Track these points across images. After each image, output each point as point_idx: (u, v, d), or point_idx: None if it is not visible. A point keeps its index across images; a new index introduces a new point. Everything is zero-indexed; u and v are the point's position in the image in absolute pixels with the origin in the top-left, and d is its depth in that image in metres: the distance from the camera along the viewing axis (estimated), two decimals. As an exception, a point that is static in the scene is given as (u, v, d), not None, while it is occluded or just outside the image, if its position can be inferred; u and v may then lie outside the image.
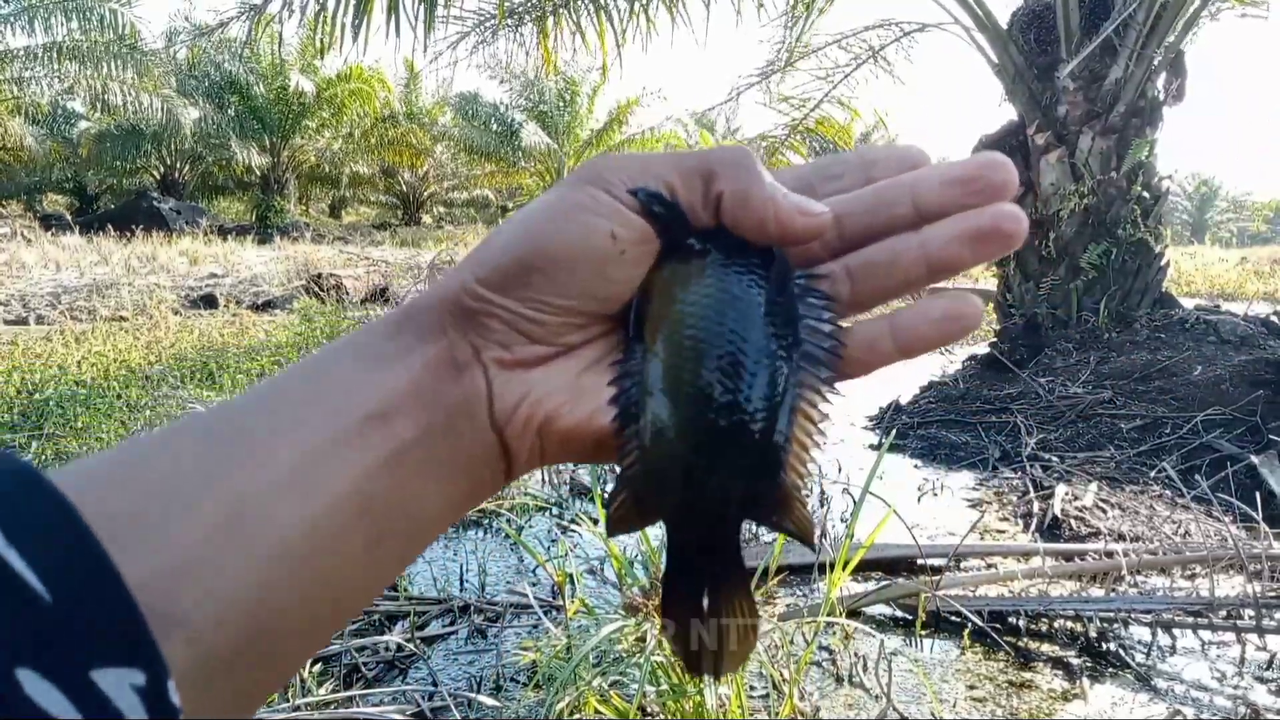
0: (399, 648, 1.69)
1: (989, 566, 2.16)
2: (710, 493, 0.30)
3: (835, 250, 0.33)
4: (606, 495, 0.32)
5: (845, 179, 0.34)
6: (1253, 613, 1.72)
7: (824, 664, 1.66)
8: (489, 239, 0.31)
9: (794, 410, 0.30)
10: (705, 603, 0.31)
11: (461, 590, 2.03)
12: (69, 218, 17.99)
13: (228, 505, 0.25)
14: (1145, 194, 4.57)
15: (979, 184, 0.31)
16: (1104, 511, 2.48)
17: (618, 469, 0.31)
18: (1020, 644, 1.74)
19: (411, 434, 0.29)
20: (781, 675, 1.49)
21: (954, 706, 1.53)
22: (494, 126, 20.11)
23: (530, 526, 2.51)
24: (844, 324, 0.32)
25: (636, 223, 0.31)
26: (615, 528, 0.31)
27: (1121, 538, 2.27)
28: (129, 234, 14.00)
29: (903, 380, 4.46)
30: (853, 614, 1.80)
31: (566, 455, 0.32)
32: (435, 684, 1.59)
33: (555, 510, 2.67)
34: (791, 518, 0.30)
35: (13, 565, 0.20)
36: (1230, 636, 1.73)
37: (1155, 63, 4.52)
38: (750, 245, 0.32)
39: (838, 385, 0.31)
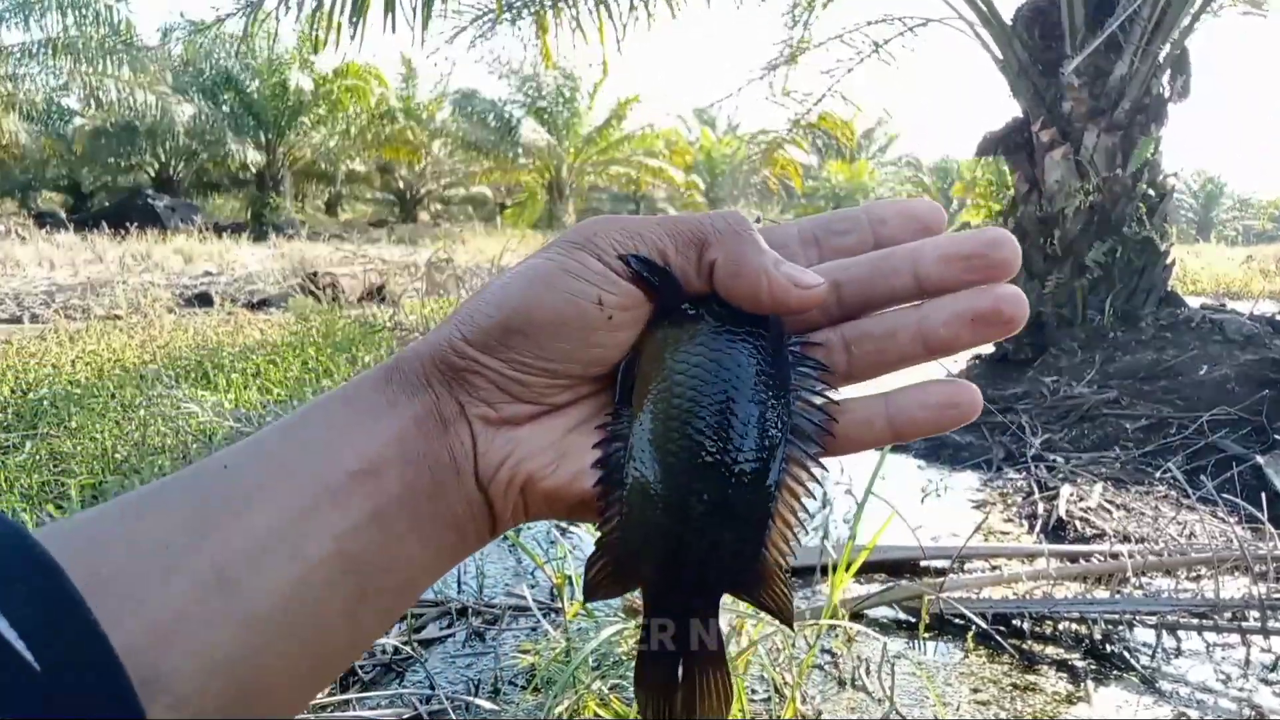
0: (395, 650, 1.67)
1: (993, 568, 2.14)
2: (691, 565, 0.29)
3: (834, 317, 0.32)
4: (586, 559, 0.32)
5: (853, 236, 0.34)
6: (1258, 614, 1.71)
7: (826, 667, 1.65)
8: (477, 296, 0.31)
9: (780, 485, 0.29)
10: (680, 673, 0.30)
11: (459, 592, 2.01)
12: (64, 215, 17.94)
13: (211, 568, 0.25)
14: (1150, 191, 4.54)
15: (980, 262, 0.30)
16: (1109, 512, 2.47)
17: (598, 532, 0.30)
18: (1024, 646, 1.73)
19: (397, 490, 0.29)
20: (783, 678, 1.48)
21: (958, 710, 1.51)
22: (492, 122, 20.04)
23: (529, 528, 2.49)
24: (839, 396, 0.31)
25: (625, 289, 0.30)
26: (593, 593, 0.31)
27: (1126, 539, 2.26)
28: (124, 232, 13.96)
29: (906, 380, 4.44)
30: (855, 616, 1.79)
31: (550, 514, 0.32)
32: (432, 687, 1.57)
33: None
34: (772, 594, 0.30)
35: (1, 633, 0.21)
36: (1235, 638, 1.72)
37: (1160, 59, 4.49)
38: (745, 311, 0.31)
39: (825, 461, 0.30)
